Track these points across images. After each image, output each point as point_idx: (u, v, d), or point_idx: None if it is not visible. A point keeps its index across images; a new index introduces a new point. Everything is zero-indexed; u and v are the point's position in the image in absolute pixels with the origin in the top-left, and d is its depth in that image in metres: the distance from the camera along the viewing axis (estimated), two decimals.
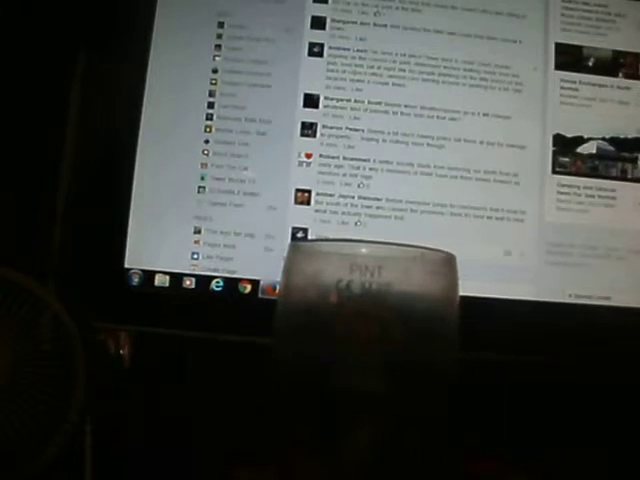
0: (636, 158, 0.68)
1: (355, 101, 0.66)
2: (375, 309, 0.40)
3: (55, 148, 0.71)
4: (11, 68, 0.71)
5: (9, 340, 0.58)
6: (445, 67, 0.67)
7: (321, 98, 0.66)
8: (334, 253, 0.43)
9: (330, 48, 0.67)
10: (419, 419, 0.41)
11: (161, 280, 0.64)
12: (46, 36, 0.71)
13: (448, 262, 0.43)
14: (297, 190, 0.65)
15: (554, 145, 0.67)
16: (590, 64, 0.69)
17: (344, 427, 0.40)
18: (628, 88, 0.69)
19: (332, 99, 0.66)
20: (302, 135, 0.65)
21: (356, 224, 0.64)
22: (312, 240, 0.63)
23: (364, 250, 0.42)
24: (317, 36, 0.67)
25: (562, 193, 0.66)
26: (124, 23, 0.67)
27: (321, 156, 0.65)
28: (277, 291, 0.46)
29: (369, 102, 0.66)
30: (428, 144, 0.66)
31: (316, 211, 0.65)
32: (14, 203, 0.70)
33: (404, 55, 0.67)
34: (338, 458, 0.40)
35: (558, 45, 0.68)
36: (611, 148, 0.67)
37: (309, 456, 0.41)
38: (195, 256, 0.64)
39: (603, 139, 0.67)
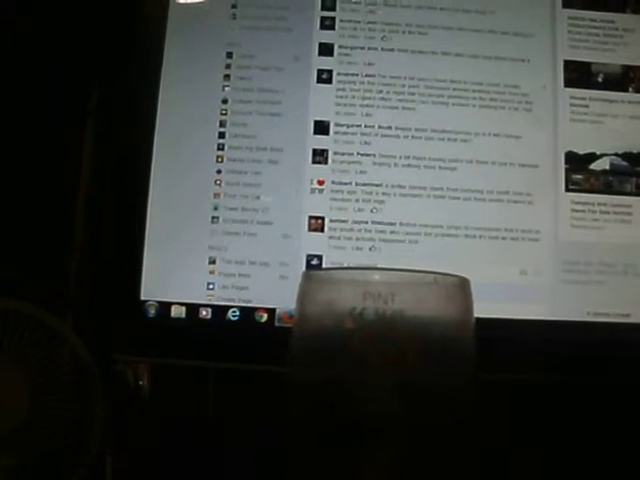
0: None
1: (365, 126, 0.66)
2: (390, 335, 0.40)
3: (70, 182, 0.72)
4: (28, 103, 0.72)
5: (27, 374, 0.58)
6: (454, 89, 0.67)
7: (331, 124, 0.66)
8: (347, 281, 0.43)
9: (339, 74, 0.67)
10: (438, 442, 0.41)
11: (177, 311, 0.64)
12: (61, 72, 0.72)
13: (462, 286, 0.43)
14: (310, 217, 0.65)
15: (566, 163, 0.67)
16: (600, 80, 0.68)
17: (362, 453, 0.40)
18: (639, 102, 0.68)
19: (342, 125, 0.66)
20: (314, 162, 0.66)
21: (370, 249, 0.64)
22: (325, 268, 0.62)
23: (377, 277, 0.42)
24: (325, 63, 0.67)
25: (576, 211, 0.66)
26: (134, 57, 0.68)
27: (333, 182, 0.65)
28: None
29: (379, 127, 0.66)
30: (440, 167, 0.66)
31: (330, 237, 0.65)
32: (31, 236, 0.70)
33: (413, 79, 0.67)
34: None
35: (567, 62, 0.68)
36: (624, 163, 0.67)
37: None
38: (210, 286, 0.64)
39: (616, 155, 0.67)
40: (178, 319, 0.64)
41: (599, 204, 0.66)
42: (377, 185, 0.65)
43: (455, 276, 0.42)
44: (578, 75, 0.68)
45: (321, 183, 0.65)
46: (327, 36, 0.68)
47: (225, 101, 0.67)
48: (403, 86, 0.67)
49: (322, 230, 0.65)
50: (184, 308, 0.64)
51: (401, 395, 0.40)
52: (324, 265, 0.64)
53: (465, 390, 0.41)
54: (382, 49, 0.68)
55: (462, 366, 0.42)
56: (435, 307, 0.41)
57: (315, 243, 0.65)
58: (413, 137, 0.66)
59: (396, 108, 0.67)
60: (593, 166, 0.67)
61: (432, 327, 0.41)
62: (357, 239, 0.64)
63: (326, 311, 0.42)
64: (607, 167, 0.67)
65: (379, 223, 0.65)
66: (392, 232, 0.65)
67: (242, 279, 0.64)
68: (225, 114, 0.66)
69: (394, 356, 0.40)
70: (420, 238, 0.65)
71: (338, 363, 0.41)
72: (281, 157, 0.66)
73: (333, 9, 0.68)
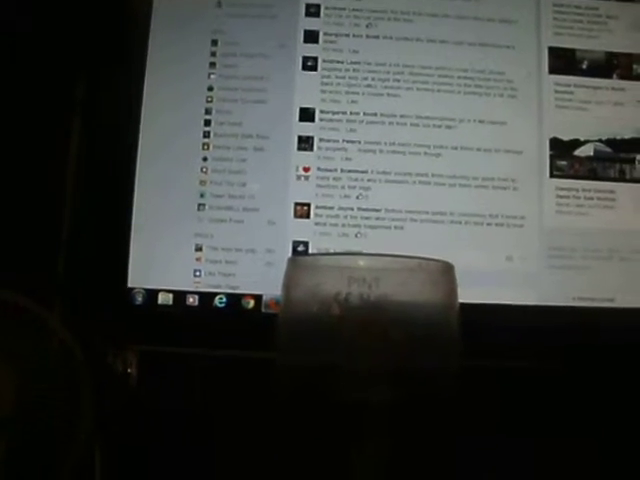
0: (634, 159, 0.68)
1: (351, 113, 0.66)
2: (374, 320, 0.40)
3: (57, 171, 0.72)
4: (13, 98, 0.72)
5: (15, 364, 0.58)
6: (439, 76, 0.67)
7: (317, 111, 0.66)
8: (332, 266, 0.43)
9: (324, 61, 0.67)
10: (425, 427, 0.41)
11: (164, 298, 0.64)
12: (46, 66, 0.72)
13: (446, 271, 0.43)
14: (296, 204, 0.65)
15: (551, 149, 0.67)
16: (584, 67, 0.69)
17: (349, 438, 0.40)
18: (623, 89, 0.69)
19: (328, 112, 0.66)
20: (299, 149, 0.66)
21: (356, 236, 0.64)
22: (310, 254, 0.63)
23: (361, 262, 0.42)
24: (310, 50, 0.67)
25: (561, 197, 0.66)
26: (120, 47, 0.67)
27: (319, 169, 0.66)
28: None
29: (365, 114, 0.66)
30: (425, 153, 0.66)
31: (316, 224, 0.65)
32: (18, 225, 0.70)
33: (398, 65, 0.67)
34: (344, 469, 0.40)
35: (551, 49, 0.69)
36: (608, 150, 0.67)
37: (314, 468, 0.41)
38: (197, 273, 0.64)
39: (600, 141, 0.68)
40: (165, 306, 0.64)
41: (583, 190, 0.67)
42: (363, 172, 0.66)
43: (439, 261, 0.43)
44: (563, 62, 0.69)
45: (307, 170, 0.65)
46: (312, 23, 0.68)
47: (210, 89, 0.67)
48: (388, 73, 0.67)
49: (308, 217, 0.65)
50: (171, 295, 0.64)
51: (386, 379, 0.40)
52: (310, 251, 0.64)
53: (449, 375, 0.42)
54: (367, 36, 0.68)
55: (446, 350, 0.42)
56: (419, 292, 0.42)
57: (301, 230, 0.65)
58: (398, 124, 0.66)
59: (381, 95, 0.67)
60: (577, 152, 0.67)
61: (416, 312, 0.41)
62: (343, 225, 0.65)
63: (311, 296, 0.42)
64: (591, 153, 0.67)
65: (365, 209, 0.65)
66: (378, 218, 0.65)
67: (228, 266, 0.64)
68: (211, 101, 0.66)
69: (379, 340, 0.40)
70: (406, 224, 0.65)
71: (324, 348, 0.41)
72: (267, 144, 0.66)
73: None
